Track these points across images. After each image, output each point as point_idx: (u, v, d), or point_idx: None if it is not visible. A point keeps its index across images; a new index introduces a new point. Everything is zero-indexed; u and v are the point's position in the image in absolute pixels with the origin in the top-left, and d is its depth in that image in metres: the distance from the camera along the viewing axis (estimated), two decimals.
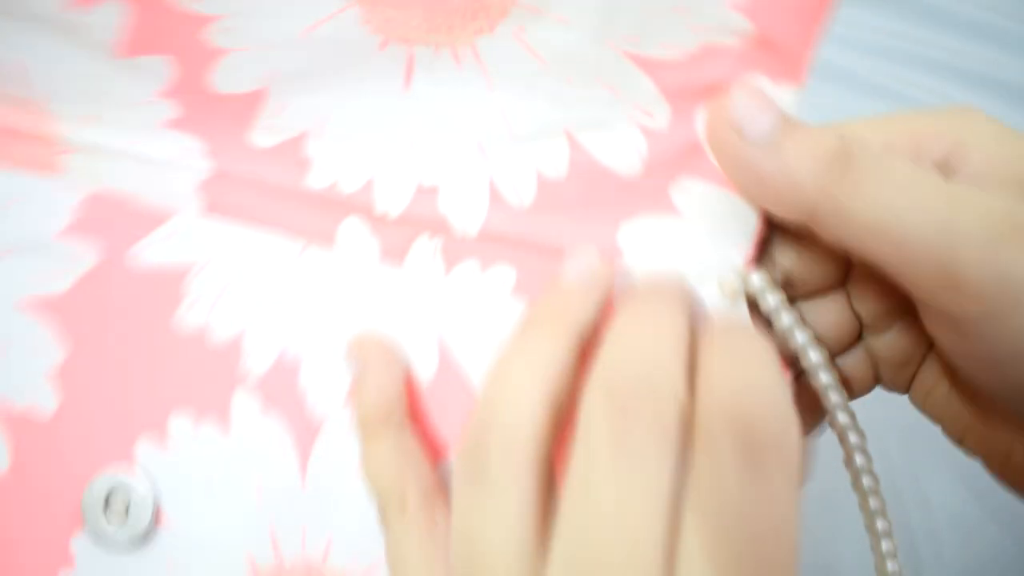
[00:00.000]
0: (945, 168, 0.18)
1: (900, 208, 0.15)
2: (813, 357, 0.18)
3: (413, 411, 0.20)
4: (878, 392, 0.21)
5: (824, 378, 0.19)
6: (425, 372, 0.21)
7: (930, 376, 0.20)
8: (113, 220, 0.23)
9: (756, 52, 0.17)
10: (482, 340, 0.20)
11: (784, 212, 0.17)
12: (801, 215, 0.16)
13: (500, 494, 0.15)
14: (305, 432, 0.21)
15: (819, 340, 0.19)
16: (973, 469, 0.21)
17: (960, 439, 0.21)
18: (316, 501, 0.21)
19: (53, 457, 0.23)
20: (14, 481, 0.23)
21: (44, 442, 0.23)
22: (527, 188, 0.20)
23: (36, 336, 0.23)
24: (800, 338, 0.18)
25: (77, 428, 0.23)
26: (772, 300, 0.18)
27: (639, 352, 0.15)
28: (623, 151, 0.19)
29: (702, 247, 0.19)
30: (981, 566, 0.35)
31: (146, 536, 0.22)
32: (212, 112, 0.22)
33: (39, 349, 0.23)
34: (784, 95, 0.17)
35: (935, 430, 0.21)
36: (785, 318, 0.18)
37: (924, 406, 0.21)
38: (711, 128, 0.17)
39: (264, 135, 0.22)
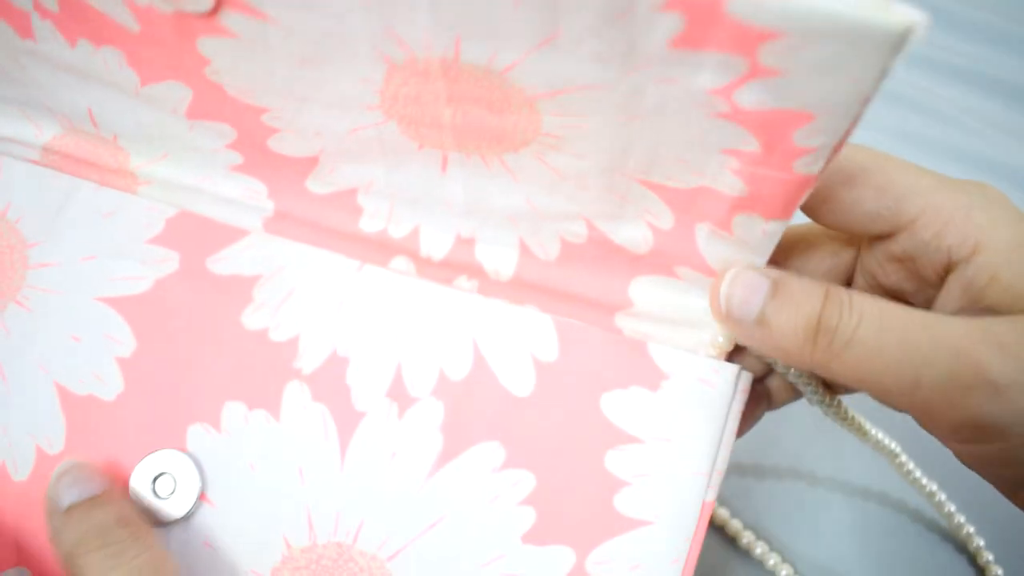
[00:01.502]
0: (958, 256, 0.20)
1: (875, 371, 0.18)
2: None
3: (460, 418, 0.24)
4: None
5: None
6: (460, 370, 0.24)
7: None
8: (196, 233, 0.25)
9: (749, 202, 0.19)
10: (511, 347, 0.24)
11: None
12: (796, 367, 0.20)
13: None
14: (347, 423, 0.24)
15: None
16: None
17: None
18: (352, 486, 0.24)
19: (108, 438, 0.24)
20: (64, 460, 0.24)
21: (101, 424, 0.24)
22: (552, 247, 0.23)
23: (112, 326, 0.25)
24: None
25: (135, 412, 0.24)
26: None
27: None
28: (633, 238, 0.22)
29: (698, 305, 0.23)
30: None
31: (188, 516, 0.24)
32: (271, 164, 0.24)
33: (113, 337, 0.25)
34: (773, 227, 0.19)
35: None
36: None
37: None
38: (713, 307, 0.20)
39: (319, 185, 0.24)
